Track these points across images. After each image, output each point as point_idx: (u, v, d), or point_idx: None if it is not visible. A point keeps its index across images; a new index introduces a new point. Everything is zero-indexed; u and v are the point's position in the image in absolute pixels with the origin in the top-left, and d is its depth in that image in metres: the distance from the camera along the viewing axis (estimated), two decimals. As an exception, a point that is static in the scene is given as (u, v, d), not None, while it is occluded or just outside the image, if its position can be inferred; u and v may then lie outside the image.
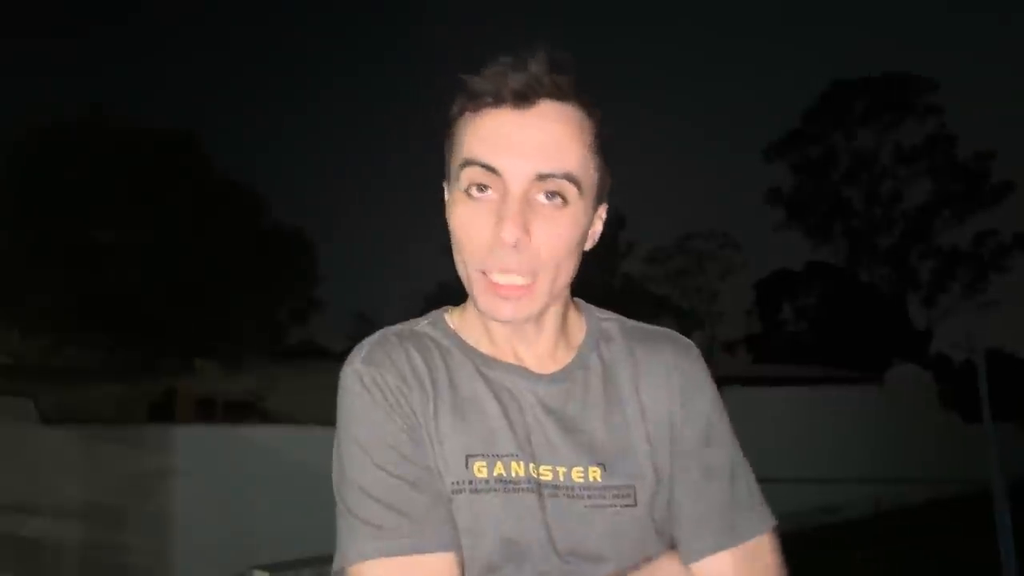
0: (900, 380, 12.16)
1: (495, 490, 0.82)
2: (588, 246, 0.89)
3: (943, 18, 46.85)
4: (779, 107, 49.58)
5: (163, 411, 11.67)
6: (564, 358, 0.92)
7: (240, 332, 19.41)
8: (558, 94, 0.82)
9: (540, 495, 0.83)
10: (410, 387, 0.85)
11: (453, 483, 0.82)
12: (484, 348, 0.91)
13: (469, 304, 0.93)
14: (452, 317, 0.95)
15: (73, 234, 17.10)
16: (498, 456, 0.83)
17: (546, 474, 0.84)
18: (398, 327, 0.93)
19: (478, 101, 0.82)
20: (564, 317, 0.93)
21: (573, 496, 0.84)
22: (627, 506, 0.85)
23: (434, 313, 0.97)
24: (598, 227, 0.91)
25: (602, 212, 0.91)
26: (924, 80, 28.26)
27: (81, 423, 6.76)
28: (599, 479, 0.85)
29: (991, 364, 6.51)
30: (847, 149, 30.08)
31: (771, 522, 0.91)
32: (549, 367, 0.90)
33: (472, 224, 0.82)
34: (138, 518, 5.38)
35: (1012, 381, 17.59)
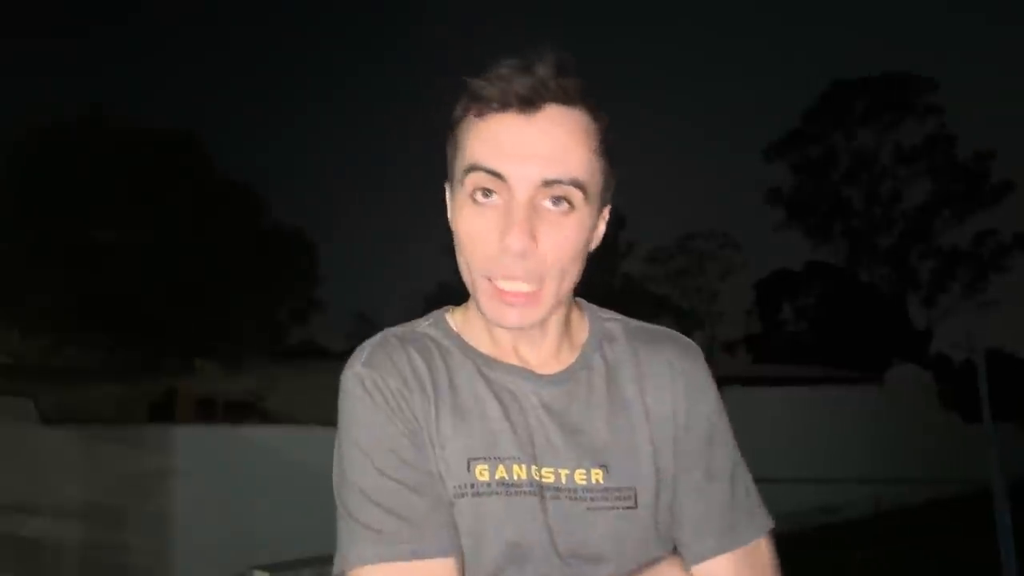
0: (900, 380, 12.17)
1: (497, 493, 0.82)
2: (592, 247, 0.89)
3: (943, 18, 46.89)
4: (779, 107, 49.59)
5: (163, 411, 11.66)
6: (567, 358, 0.91)
7: (240, 332, 19.41)
8: (564, 98, 0.81)
9: (542, 497, 0.83)
10: (411, 390, 0.85)
11: (455, 487, 0.82)
12: (486, 349, 0.90)
13: (471, 304, 0.92)
14: (454, 317, 0.95)
15: (73, 234, 17.10)
16: (500, 459, 0.83)
17: (548, 476, 0.84)
18: (399, 328, 0.92)
19: (483, 105, 0.81)
20: (567, 317, 0.92)
21: (575, 498, 0.83)
22: (628, 508, 0.85)
23: (435, 313, 0.96)
24: (601, 228, 0.90)
25: (605, 213, 0.90)
26: (924, 80, 28.28)
27: (81, 423, 6.76)
28: (601, 481, 0.85)
29: (991, 364, 6.51)
30: (847, 149, 30.11)
31: (769, 523, 0.91)
32: (552, 368, 0.90)
33: (478, 230, 0.82)
34: (138, 518, 5.38)
35: (1012, 381, 17.59)
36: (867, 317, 25.03)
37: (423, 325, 0.93)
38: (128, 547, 5.33)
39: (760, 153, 31.01)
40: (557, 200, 0.80)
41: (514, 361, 0.90)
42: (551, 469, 0.84)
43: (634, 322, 0.99)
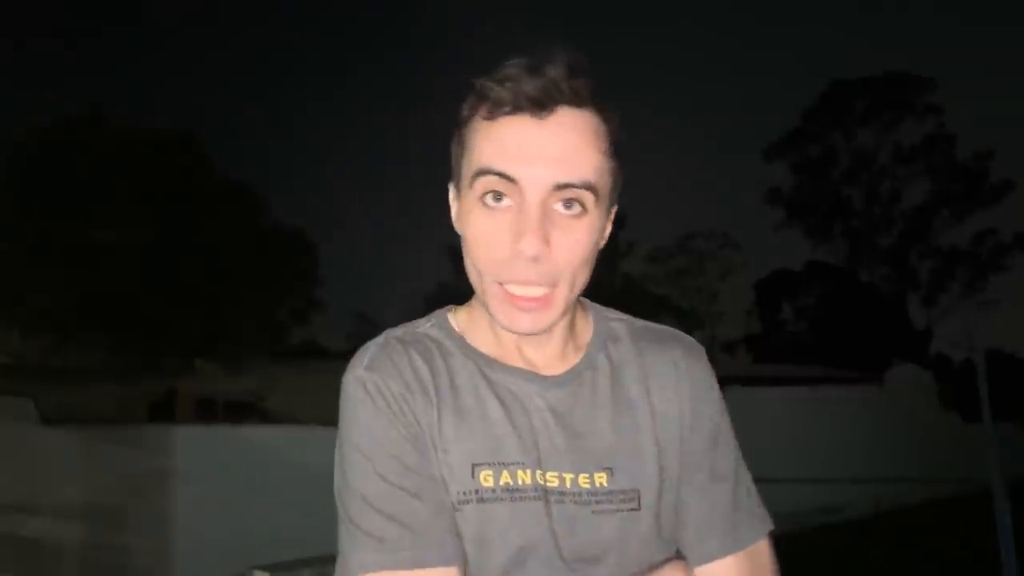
0: (900, 380, 12.16)
1: (502, 499, 0.81)
2: (600, 247, 0.88)
3: (942, 18, 46.90)
4: (779, 107, 49.39)
5: (163, 411, 11.65)
6: (572, 359, 0.91)
7: (240, 332, 19.42)
8: (576, 100, 0.80)
9: (547, 502, 0.82)
10: (413, 394, 0.84)
11: (459, 493, 0.81)
12: (490, 350, 0.89)
13: (475, 304, 0.92)
14: (456, 317, 0.94)
15: (73, 234, 17.11)
16: (504, 464, 0.82)
17: (552, 480, 0.83)
18: (400, 330, 0.91)
19: (493, 106, 0.80)
20: (572, 318, 0.91)
21: (579, 502, 0.83)
22: (632, 510, 0.85)
23: (437, 313, 0.95)
24: (609, 228, 0.89)
25: (613, 213, 0.89)
26: (923, 80, 28.30)
27: (81, 423, 6.76)
28: (605, 484, 0.84)
29: (991, 364, 6.51)
30: (847, 149, 30.13)
31: (769, 525, 0.92)
32: (557, 368, 0.89)
33: (489, 234, 0.81)
34: (138, 518, 5.38)
35: (1012, 381, 17.60)
36: (867, 317, 25.04)
37: (425, 326, 0.92)
38: (128, 547, 5.33)
39: (760, 153, 31.07)
40: (569, 203, 0.80)
41: (518, 362, 0.89)
42: (555, 473, 0.83)
43: (638, 321, 0.98)
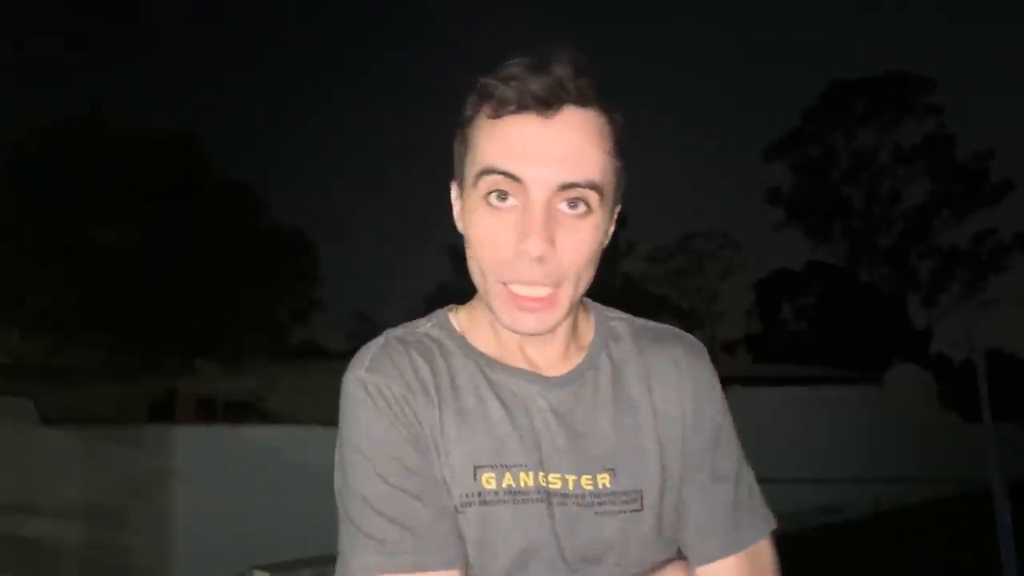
0: (900, 380, 12.16)
1: (504, 502, 0.81)
2: (603, 246, 0.88)
3: (943, 18, 46.90)
4: (779, 107, 49.44)
5: (163, 411, 11.65)
6: (575, 359, 0.90)
7: (240, 332, 19.44)
8: (581, 100, 0.79)
9: (549, 504, 0.82)
10: (415, 395, 0.83)
11: (461, 495, 0.81)
12: (491, 350, 0.89)
13: (476, 304, 0.91)
14: (458, 317, 0.93)
15: (73, 234, 17.11)
16: (506, 466, 0.82)
17: (555, 482, 0.83)
18: (401, 330, 0.91)
19: (498, 105, 0.79)
20: (575, 317, 0.91)
21: (582, 504, 0.83)
22: (635, 511, 0.84)
23: (438, 313, 0.94)
24: (612, 227, 0.89)
25: (616, 213, 0.89)
26: (923, 80, 28.31)
27: (81, 423, 6.76)
28: (608, 485, 0.84)
29: (991, 364, 6.51)
30: (847, 149, 30.13)
31: (772, 524, 0.91)
32: (559, 369, 0.89)
33: (493, 233, 0.80)
34: (138, 518, 5.38)
35: (1012, 381, 17.60)
36: (867, 317, 25.04)
37: (426, 326, 0.92)
38: (128, 547, 5.33)
39: (760, 153, 31.08)
40: (573, 203, 0.79)
41: (520, 362, 0.88)
42: (557, 475, 0.83)
43: (639, 321, 0.98)
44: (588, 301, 0.96)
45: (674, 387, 0.90)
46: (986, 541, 4.99)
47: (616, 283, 26.70)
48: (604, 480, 0.84)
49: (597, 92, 0.81)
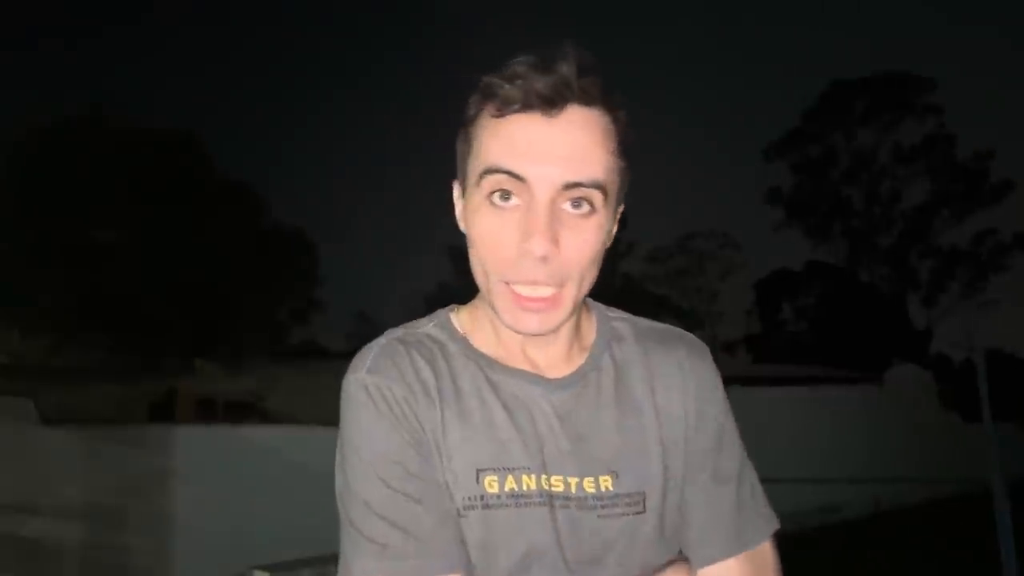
0: (900, 380, 12.15)
1: (507, 506, 0.80)
2: (607, 246, 0.87)
3: (943, 18, 46.89)
4: (779, 107, 49.53)
5: (163, 411, 11.65)
6: (577, 360, 0.90)
7: (240, 332, 19.45)
8: (586, 99, 0.79)
9: (552, 507, 0.81)
10: (417, 398, 0.82)
11: (464, 499, 0.80)
12: (493, 351, 0.88)
13: (478, 304, 0.91)
14: (459, 317, 0.92)
15: (73, 234, 17.11)
16: (509, 469, 0.81)
17: (557, 485, 0.82)
18: (402, 331, 0.90)
19: (502, 104, 0.79)
20: (578, 318, 0.91)
21: (584, 507, 0.82)
22: (637, 513, 0.84)
23: (440, 313, 0.94)
24: (616, 227, 0.88)
25: (620, 212, 0.88)
26: (923, 80, 28.30)
27: (81, 423, 6.76)
28: (611, 488, 0.83)
29: (991, 364, 6.51)
30: (847, 149, 30.12)
31: (774, 525, 0.91)
32: (562, 370, 0.88)
33: (496, 233, 0.80)
34: (138, 518, 5.38)
35: (1012, 381, 17.60)
36: (867, 317, 25.04)
37: (427, 326, 0.91)
38: (128, 547, 5.33)
39: (760, 153, 31.08)
40: (577, 202, 0.79)
41: (522, 363, 0.88)
42: (560, 477, 0.83)
43: (642, 321, 0.97)
44: (590, 301, 0.96)
45: (678, 388, 0.90)
46: (986, 541, 4.99)
47: (616, 283, 26.70)
48: (607, 483, 0.84)
49: (602, 91, 0.80)
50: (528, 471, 0.82)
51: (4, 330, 17.58)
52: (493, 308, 0.84)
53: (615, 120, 0.82)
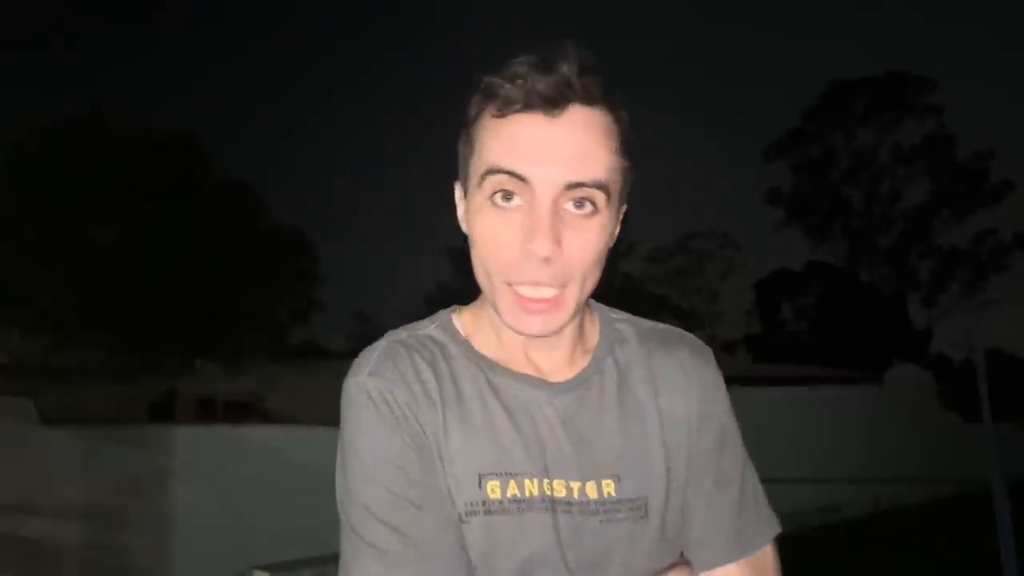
0: (900, 380, 12.16)
1: (509, 511, 0.80)
2: (610, 246, 0.86)
3: (943, 18, 46.87)
4: (779, 107, 49.52)
5: (163, 411, 11.65)
6: (580, 362, 0.89)
7: (240, 332, 19.46)
8: (587, 99, 0.78)
9: (554, 512, 0.81)
10: (418, 402, 0.82)
11: (466, 504, 0.80)
12: (495, 354, 0.88)
13: (480, 306, 0.90)
14: (461, 319, 0.92)
15: (73, 234, 17.12)
16: (511, 474, 0.81)
17: (560, 490, 0.82)
18: (404, 333, 0.89)
19: (504, 104, 0.78)
20: (581, 319, 0.90)
21: (587, 513, 0.82)
22: (640, 518, 0.84)
23: (441, 314, 0.93)
24: (619, 227, 0.87)
25: (623, 212, 0.88)
26: (923, 80, 28.31)
27: (81, 423, 6.76)
28: (613, 493, 0.83)
29: (991, 364, 6.51)
30: (847, 149, 30.13)
31: (776, 528, 0.91)
32: (565, 373, 0.87)
33: (498, 234, 0.79)
34: (138, 518, 5.38)
35: (1012, 381, 17.59)
36: (867, 317, 25.04)
37: (429, 328, 0.90)
38: (128, 547, 5.33)
39: (760, 153, 31.08)
40: (580, 203, 0.78)
41: (524, 366, 0.87)
42: (562, 482, 0.82)
43: (644, 322, 0.97)
44: (593, 302, 0.95)
45: (681, 390, 0.90)
46: (986, 541, 4.99)
47: (616, 283, 26.70)
48: (609, 487, 0.83)
49: (603, 90, 0.79)
50: (530, 476, 0.81)
51: (4, 330, 17.59)
52: (495, 309, 0.83)
53: (617, 119, 0.81)
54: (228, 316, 18.90)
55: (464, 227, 0.86)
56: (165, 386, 12.41)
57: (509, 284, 0.80)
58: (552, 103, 0.76)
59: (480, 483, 0.80)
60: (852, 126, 29.61)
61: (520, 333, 0.82)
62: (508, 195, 0.78)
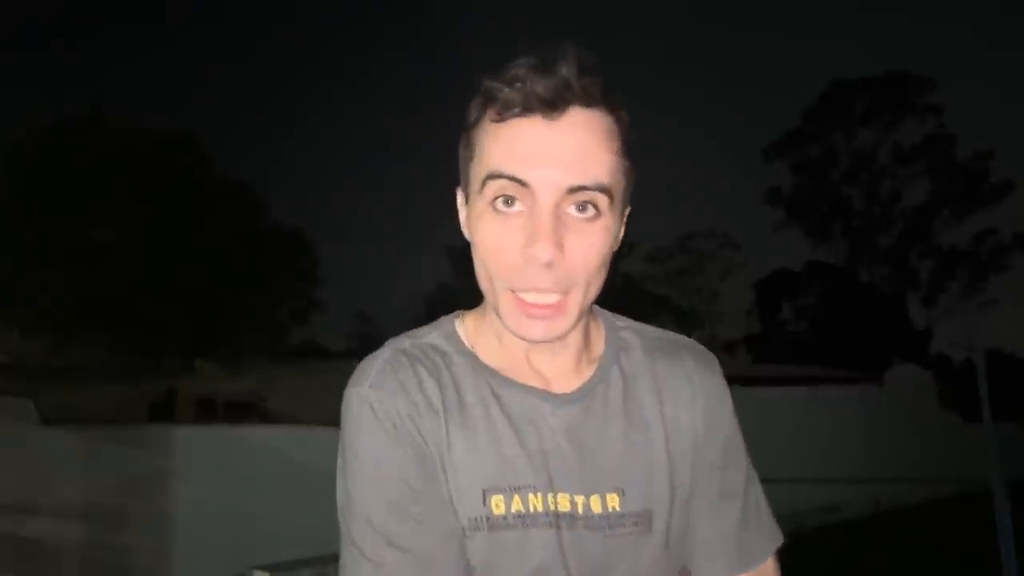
0: (900, 380, 12.15)
1: (513, 527, 0.79)
2: (614, 249, 0.85)
3: (943, 18, 46.86)
4: (779, 107, 49.54)
5: (163, 411, 11.64)
6: (586, 372, 0.88)
7: (240, 332, 19.46)
8: (587, 100, 0.77)
9: (558, 528, 0.80)
10: (421, 413, 0.81)
11: (469, 519, 0.79)
12: (498, 362, 0.86)
13: (483, 311, 0.89)
14: (465, 326, 0.90)
15: (73, 234, 17.12)
16: (515, 489, 0.80)
17: (564, 504, 0.81)
18: (406, 341, 0.88)
19: (503, 108, 0.77)
20: (586, 327, 0.89)
21: (591, 527, 0.81)
22: (644, 532, 0.83)
23: (444, 321, 0.92)
24: (622, 230, 0.85)
25: (626, 215, 0.86)
26: (923, 79, 28.30)
27: (81, 423, 6.76)
28: (617, 507, 0.82)
29: (991, 364, 6.50)
30: (847, 149, 30.13)
31: (778, 540, 0.91)
32: (571, 382, 0.86)
33: (500, 240, 0.78)
34: (138, 518, 5.37)
35: (1012, 381, 17.58)
36: (867, 317, 25.04)
37: (431, 335, 0.89)
38: (128, 547, 5.33)
39: (760, 153, 31.09)
40: (582, 206, 0.77)
41: (528, 375, 0.86)
42: (567, 496, 0.81)
43: (648, 329, 0.96)
44: (597, 309, 0.94)
45: (687, 401, 0.89)
46: (986, 541, 4.99)
47: (616, 283, 26.67)
48: (613, 501, 0.82)
49: (603, 91, 0.78)
50: (534, 490, 0.80)
51: (4, 330, 17.59)
52: (498, 314, 0.82)
53: (618, 120, 0.80)
54: (228, 316, 18.91)
55: (466, 233, 0.84)
56: (165, 386, 12.41)
57: (513, 291, 0.79)
58: (551, 106, 0.75)
59: (484, 499, 0.79)
60: (852, 126, 29.60)
61: (522, 338, 0.81)
62: (509, 200, 0.77)
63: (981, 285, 27.95)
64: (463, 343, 0.88)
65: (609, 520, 0.82)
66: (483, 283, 0.82)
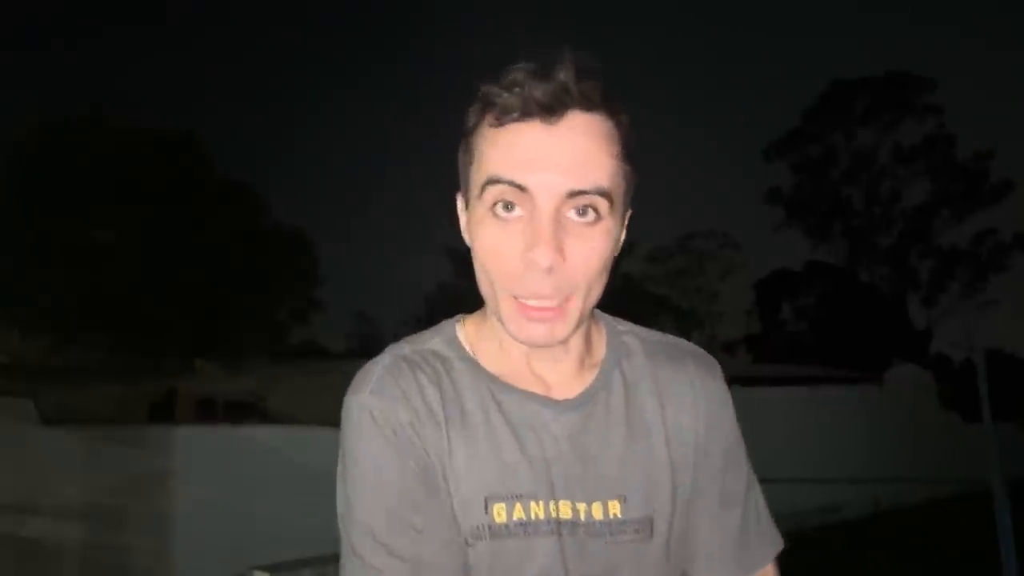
0: (900, 380, 12.15)
1: (515, 535, 0.79)
2: (616, 253, 0.85)
3: (943, 18, 46.86)
4: (779, 107, 49.51)
5: (163, 411, 11.64)
6: (588, 377, 0.88)
7: (240, 332, 19.46)
8: (586, 104, 0.76)
9: (560, 535, 0.80)
10: (422, 421, 0.80)
11: (471, 528, 0.79)
12: (500, 368, 0.86)
13: (486, 317, 0.88)
14: (466, 331, 0.90)
15: (73, 234, 17.13)
16: (517, 497, 0.80)
17: (565, 511, 0.81)
18: (407, 347, 0.87)
19: (501, 113, 0.77)
20: (587, 332, 0.89)
21: (592, 534, 0.81)
22: (646, 538, 0.83)
23: (445, 326, 0.91)
24: (624, 234, 0.85)
25: (627, 218, 0.86)
26: (923, 79, 28.30)
27: (81, 423, 6.75)
28: (619, 514, 0.82)
29: (991, 364, 6.50)
30: (847, 149, 30.13)
31: (778, 546, 0.92)
32: (573, 388, 0.86)
33: (500, 246, 0.77)
34: (138, 518, 5.37)
35: (1012, 381, 17.58)
36: (867, 317, 25.04)
37: (433, 341, 0.88)
38: (128, 547, 5.33)
39: (760, 153, 31.08)
40: (582, 210, 0.76)
41: (530, 381, 0.86)
42: (568, 503, 0.81)
43: (650, 334, 0.96)
44: (598, 313, 0.93)
45: (688, 406, 0.89)
46: (986, 541, 4.99)
47: (616, 283, 26.64)
48: (615, 508, 0.82)
49: (603, 95, 0.78)
50: (536, 498, 0.80)
51: (4, 330, 17.59)
52: (500, 319, 0.81)
53: (617, 124, 0.80)
54: (228, 316, 18.91)
55: (467, 239, 0.84)
56: (165, 386, 12.40)
57: (514, 296, 0.78)
58: (550, 110, 0.75)
59: (486, 507, 0.79)
60: (852, 126, 29.61)
61: (523, 343, 0.81)
62: (509, 205, 0.77)
63: (981, 285, 27.96)
64: (464, 348, 0.88)
65: (611, 527, 0.82)
66: (484, 288, 0.82)
